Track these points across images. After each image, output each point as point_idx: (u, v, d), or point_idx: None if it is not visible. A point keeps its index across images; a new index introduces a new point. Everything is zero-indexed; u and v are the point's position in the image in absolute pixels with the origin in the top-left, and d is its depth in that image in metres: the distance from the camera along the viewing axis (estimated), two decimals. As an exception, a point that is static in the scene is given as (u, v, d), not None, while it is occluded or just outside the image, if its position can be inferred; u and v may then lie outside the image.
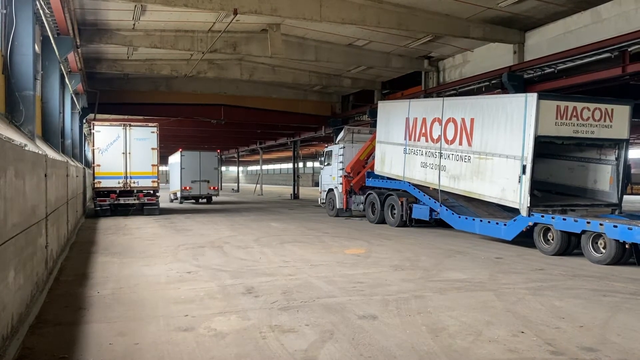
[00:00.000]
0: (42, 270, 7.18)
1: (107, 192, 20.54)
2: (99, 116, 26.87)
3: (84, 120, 26.00)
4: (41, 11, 10.63)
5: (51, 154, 9.14)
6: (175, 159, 32.34)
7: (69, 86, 17.13)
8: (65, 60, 14.67)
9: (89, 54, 19.77)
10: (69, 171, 11.96)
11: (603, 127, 12.00)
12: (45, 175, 7.38)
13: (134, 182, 20.70)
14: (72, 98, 19.07)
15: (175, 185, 32.17)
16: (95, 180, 20.39)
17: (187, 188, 29.93)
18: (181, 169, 29.73)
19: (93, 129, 20.66)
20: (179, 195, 30.54)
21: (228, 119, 28.93)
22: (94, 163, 20.56)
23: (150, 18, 16.50)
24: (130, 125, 20.97)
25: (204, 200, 31.78)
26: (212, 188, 30.58)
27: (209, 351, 5.07)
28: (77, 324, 5.97)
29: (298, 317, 6.20)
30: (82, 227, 16.69)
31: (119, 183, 20.52)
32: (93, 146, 20.74)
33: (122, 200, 20.76)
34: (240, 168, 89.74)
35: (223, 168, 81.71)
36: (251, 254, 11.29)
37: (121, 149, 20.55)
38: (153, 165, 21.00)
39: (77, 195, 16.08)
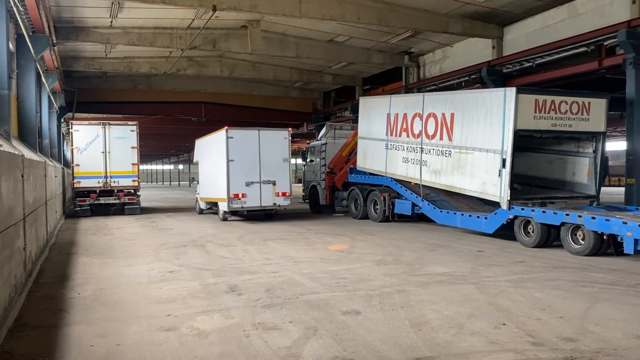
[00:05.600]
0: (20, 272, 7.06)
1: (86, 192, 20.28)
2: (77, 115, 26.51)
3: (62, 120, 25.62)
4: (15, 9, 10.43)
5: (28, 154, 8.99)
6: (213, 144, 18.96)
7: (46, 85, 16.85)
8: (41, 59, 14.41)
9: (65, 52, 19.49)
10: (47, 171, 11.77)
11: (580, 120, 12.16)
12: (22, 176, 7.25)
13: (114, 182, 20.46)
14: (49, 97, 18.77)
15: (214, 189, 18.78)
16: (75, 180, 20.12)
17: (240, 196, 17.11)
18: (227, 161, 17.02)
19: (71, 128, 20.36)
20: (223, 207, 17.86)
21: (209, 116, 28.74)
22: (73, 163, 20.28)
23: (128, 15, 16.32)
24: (109, 124, 20.70)
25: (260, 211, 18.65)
26: (280, 194, 17.75)
27: (192, 350, 5.03)
28: (57, 326, 5.88)
29: (281, 314, 6.19)
30: (61, 228, 16.46)
31: (98, 183, 20.27)
32: (72, 145, 20.45)
33: (102, 200, 20.50)
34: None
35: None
36: (234, 252, 11.24)
37: (100, 148, 20.28)
38: (133, 164, 20.77)
39: (56, 196, 15.84)
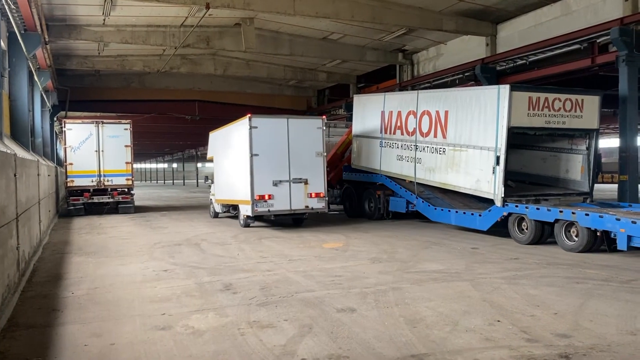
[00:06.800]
0: (13, 272, 7.02)
1: (80, 191, 20.17)
2: (70, 114, 26.37)
3: (55, 118, 25.49)
4: (6, 6, 10.36)
5: (21, 153, 8.94)
6: (232, 136, 16.26)
7: (38, 83, 16.77)
8: (33, 57, 14.34)
9: (58, 50, 19.38)
10: (40, 170, 11.70)
11: (574, 118, 12.21)
12: (15, 175, 7.20)
13: (107, 181, 20.38)
14: (41, 95, 18.67)
15: (233, 189, 16.04)
16: (68, 179, 20.01)
17: (266, 197, 14.24)
18: (251, 155, 14.17)
19: (64, 126, 20.23)
20: (246, 211, 14.90)
21: (203, 114, 28.67)
22: (66, 161, 20.16)
23: (120, 13, 16.25)
24: (102, 123, 20.59)
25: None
26: (313, 195, 14.83)
27: (187, 349, 5.02)
28: (50, 326, 5.85)
29: (276, 313, 6.19)
30: (55, 227, 16.37)
31: (92, 181, 20.17)
32: (65, 144, 20.34)
33: (96, 199, 20.40)
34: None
35: (199, 164, 78.46)
36: (229, 250, 11.22)
37: (94, 147, 20.18)
38: (127, 162, 20.69)
39: (50, 195, 15.76)
